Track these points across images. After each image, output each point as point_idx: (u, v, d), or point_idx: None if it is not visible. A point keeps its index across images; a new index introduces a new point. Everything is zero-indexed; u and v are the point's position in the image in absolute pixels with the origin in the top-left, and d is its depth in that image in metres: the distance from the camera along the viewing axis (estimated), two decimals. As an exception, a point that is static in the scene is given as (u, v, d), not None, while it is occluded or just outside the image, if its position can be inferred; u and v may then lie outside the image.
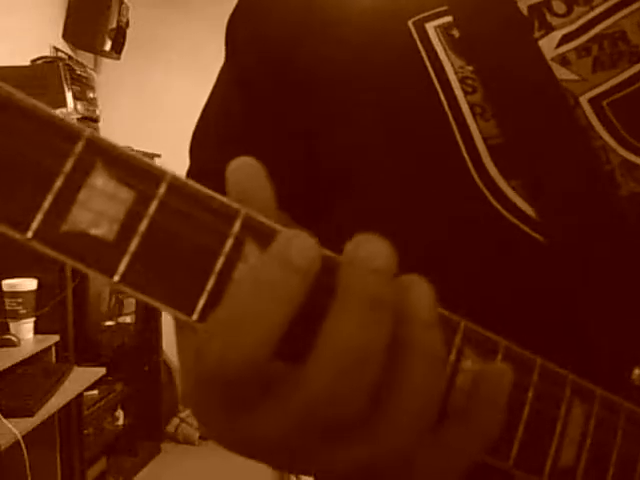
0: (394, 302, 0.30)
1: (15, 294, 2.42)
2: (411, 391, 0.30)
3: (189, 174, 0.58)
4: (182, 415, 3.61)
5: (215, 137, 0.58)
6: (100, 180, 0.28)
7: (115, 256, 0.28)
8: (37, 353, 2.40)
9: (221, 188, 0.54)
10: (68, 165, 0.27)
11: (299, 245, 0.29)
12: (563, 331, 0.44)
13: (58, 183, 0.27)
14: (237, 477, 2.57)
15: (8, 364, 2.21)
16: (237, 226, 0.30)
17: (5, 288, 2.43)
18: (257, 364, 0.28)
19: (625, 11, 0.48)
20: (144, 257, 0.29)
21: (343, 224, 0.50)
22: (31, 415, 2.06)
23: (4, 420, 1.98)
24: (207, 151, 0.58)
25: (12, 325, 2.42)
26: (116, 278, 0.28)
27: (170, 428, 3.58)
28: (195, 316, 0.29)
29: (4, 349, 2.31)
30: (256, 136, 0.55)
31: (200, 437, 3.54)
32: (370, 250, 0.30)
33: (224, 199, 0.30)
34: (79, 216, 0.28)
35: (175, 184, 0.29)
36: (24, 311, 2.43)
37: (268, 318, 0.28)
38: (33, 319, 2.46)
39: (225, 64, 0.59)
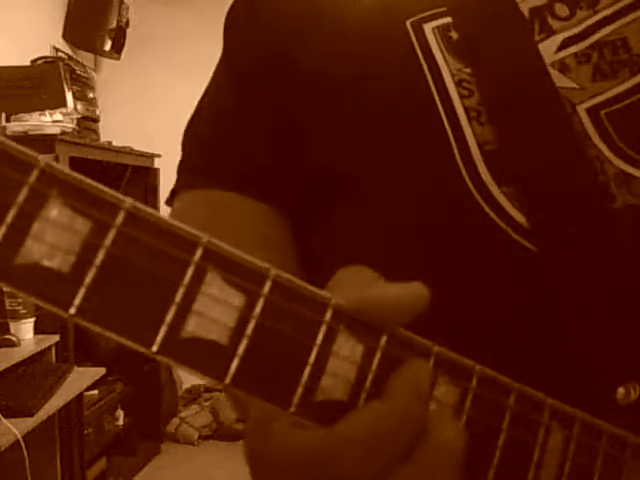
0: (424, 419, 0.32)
1: (15, 294, 2.41)
2: None
3: (180, 168, 0.58)
4: (182, 415, 3.61)
5: (207, 133, 0.58)
6: (55, 211, 0.27)
7: (70, 289, 0.28)
8: (37, 353, 2.40)
9: (208, 183, 0.54)
10: (21, 196, 0.26)
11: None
12: (548, 344, 0.43)
13: (11, 214, 0.26)
14: (236, 477, 2.56)
15: (8, 364, 2.20)
16: (198, 254, 0.29)
17: (5, 288, 2.42)
18: None
19: (629, 17, 0.47)
20: (101, 289, 0.28)
21: (340, 225, 0.50)
22: (31, 415, 2.06)
23: (4, 420, 1.98)
24: (198, 146, 0.58)
25: (12, 325, 2.42)
26: (72, 311, 0.28)
27: (170, 428, 3.57)
28: (155, 348, 0.29)
29: (4, 349, 2.30)
30: (248, 132, 0.54)
31: (200, 437, 3.53)
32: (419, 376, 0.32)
33: (184, 227, 0.29)
34: (33, 248, 0.27)
35: (133, 213, 0.28)
36: (24, 311, 2.43)
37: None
38: (33, 319, 2.46)
39: (221, 59, 0.59)
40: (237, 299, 0.30)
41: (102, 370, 2.60)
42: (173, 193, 0.58)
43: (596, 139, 0.45)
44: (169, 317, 0.29)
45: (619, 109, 0.46)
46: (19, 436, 1.96)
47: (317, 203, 0.51)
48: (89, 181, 0.28)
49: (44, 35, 3.34)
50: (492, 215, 0.44)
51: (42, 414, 2.11)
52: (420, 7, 0.50)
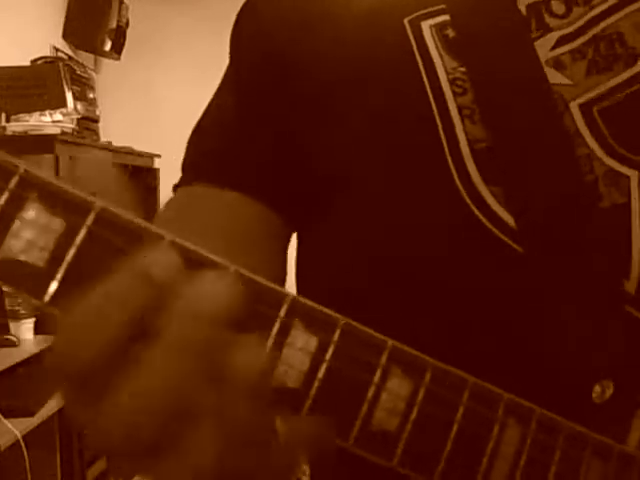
0: (211, 348, 0.29)
1: (15, 294, 2.42)
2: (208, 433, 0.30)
3: (183, 168, 0.59)
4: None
5: (209, 135, 0.58)
6: (32, 212, 0.30)
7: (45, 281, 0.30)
8: (37, 353, 2.39)
9: (202, 179, 0.55)
10: (2, 199, 0.29)
11: (155, 259, 0.30)
12: (527, 343, 0.44)
13: None
14: (237, 477, 2.55)
15: (8, 364, 2.20)
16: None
17: (5, 288, 2.43)
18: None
19: (623, 12, 0.47)
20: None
21: (337, 224, 0.50)
22: (31, 415, 2.06)
23: (4, 420, 1.98)
24: (200, 147, 0.58)
25: (12, 325, 2.42)
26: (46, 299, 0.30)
27: (170, 428, 3.58)
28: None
29: (4, 349, 2.30)
30: (249, 138, 0.55)
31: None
32: (199, 291, 0.29)
33: (143, 223, 0.31)
34: (12, 245, 0.30)
35: (103, 215, 0.30)
36: (24, 311, 2.43)
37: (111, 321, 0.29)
38: (33, 319, 2.46)
39: (228, 67, 0.59)
40: None
41: (102, 370, 2.59)
42: (173, 190, 0.59)
43: (587, 137, 0.45)
44: None
45: (611, 105, 0.46)
46: (19, 436, 1.96)
47: (315, 204, 0.52)
48: (64, 185, 0.31)
49: (44, 35, 3.34)
50: (479, 215, 0.44)
51: (42, 414, 2.11)
52: (419, 5, 0.50)
